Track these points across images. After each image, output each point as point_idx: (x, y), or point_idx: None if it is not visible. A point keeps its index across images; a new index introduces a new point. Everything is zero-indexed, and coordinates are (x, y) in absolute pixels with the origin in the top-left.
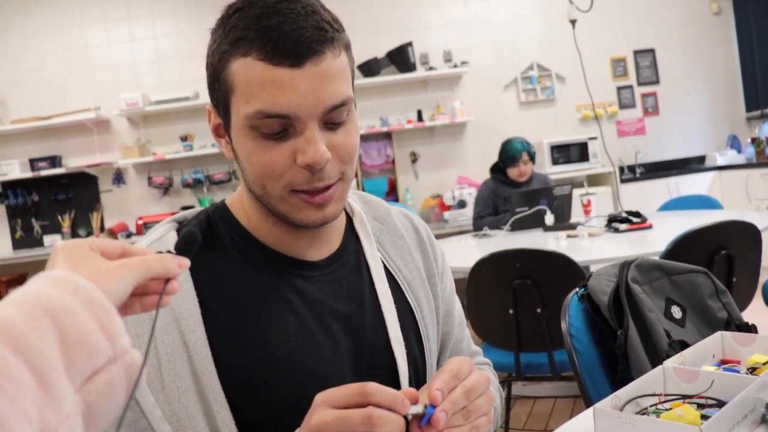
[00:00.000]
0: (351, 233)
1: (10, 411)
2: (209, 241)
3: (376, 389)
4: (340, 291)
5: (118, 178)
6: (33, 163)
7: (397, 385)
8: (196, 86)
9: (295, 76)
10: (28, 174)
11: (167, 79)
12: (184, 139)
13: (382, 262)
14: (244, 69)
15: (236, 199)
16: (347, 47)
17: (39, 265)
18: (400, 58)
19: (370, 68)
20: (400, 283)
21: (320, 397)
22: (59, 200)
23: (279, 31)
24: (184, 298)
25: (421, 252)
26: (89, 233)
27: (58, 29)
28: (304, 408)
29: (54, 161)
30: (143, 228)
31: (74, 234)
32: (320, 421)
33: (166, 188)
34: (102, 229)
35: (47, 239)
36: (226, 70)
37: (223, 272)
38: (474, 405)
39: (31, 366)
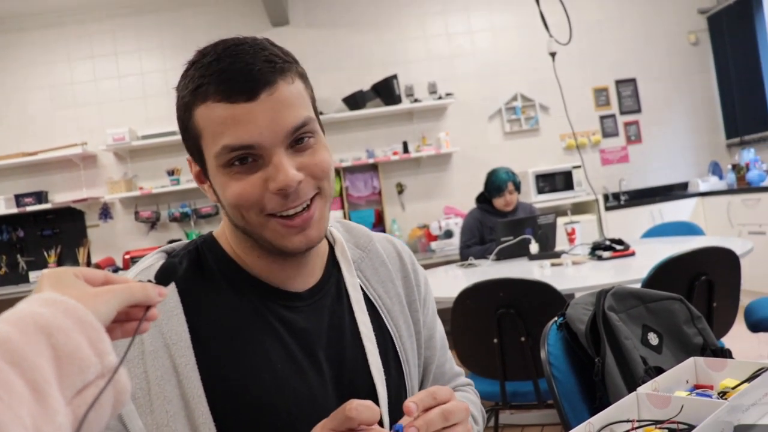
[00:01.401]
0: (333, 263)
1: (9, 419)
2: (198, 271)
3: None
4: (322, 321)
5: (105, 213)
6: (18, 198)
7: None
8: None
9: (252, 108)
10: (14, 210)
11: (154, 114)
12: (170, 173)
13: (363, 290)
14: (206, 113)
15: (222, 232)
16: (302, 76)
17: None
18: (386, 91)
19: (355, 101)
20: (380, 310)
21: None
22: (45, 236)
23: (230, 71)
24: (175, 324)
25: (403, 278)
26: None
27: (45, 66)
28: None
29: (40, 197)
30: (130, 263)
31: None
32: None
33: (153, 222)
34: (89, 264)
35: (33, 275)
36: (191, 119)
37: (212, 301)
38: (452, 430)
39: (26, 379)
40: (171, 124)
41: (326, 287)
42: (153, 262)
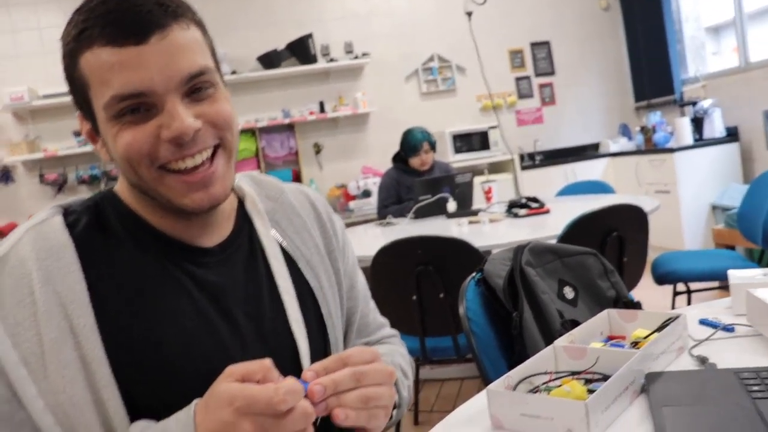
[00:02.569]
0: (244, 217)
1: None
2: (99, 227)
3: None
4: (236, 275)
5: (6, 176)
6: None
7: (298, 364)
8: None
9: (142, 52)
10: None
11: (56, 72)
12: (77, 134)
13: (279, 242)
14: (92, 60)
15: (122, 188)
16: (200, 25)
17: None
18: (301, 50)
19: (270, 60)
20: (297, 261)
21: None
22: None
23: (117, 12)
24: (71, 282)
25: (320, 227)
26: None
27: None
28: (204, 393)
29: None
30: None
31: None
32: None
33: (60, 185)
34: None
35: None
36: (76, 67)
37: (114, 257)
38: (374, 392)
39: None
40: None
41: (238, 240)
42: (46, 216)
